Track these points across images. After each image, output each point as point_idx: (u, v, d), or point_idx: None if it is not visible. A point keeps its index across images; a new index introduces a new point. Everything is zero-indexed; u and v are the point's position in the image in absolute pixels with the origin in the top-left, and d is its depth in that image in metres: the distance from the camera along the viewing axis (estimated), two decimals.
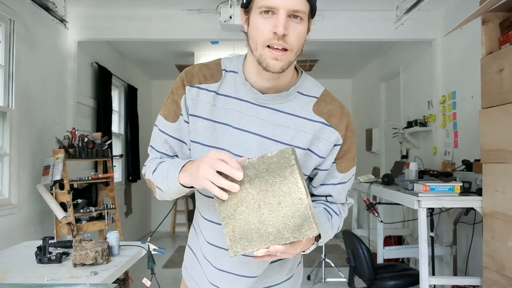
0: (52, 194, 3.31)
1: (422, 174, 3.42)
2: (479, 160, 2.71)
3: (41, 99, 3.62)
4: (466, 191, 2.93)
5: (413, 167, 3.40)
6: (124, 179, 5.84)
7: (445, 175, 3.14)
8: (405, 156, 4.97)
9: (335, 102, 1.13)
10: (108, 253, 2.11)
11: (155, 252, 2.41)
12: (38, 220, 3.49)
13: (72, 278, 1.85)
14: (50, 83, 3.78)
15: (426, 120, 4.35)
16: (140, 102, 6.47)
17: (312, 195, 1.16)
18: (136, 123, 6.15)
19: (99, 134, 3.76)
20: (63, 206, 3.27)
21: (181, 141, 1.15)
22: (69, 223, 3.19)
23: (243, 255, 0.97)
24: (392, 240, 4.57)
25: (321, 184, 1.14)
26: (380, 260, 3.83)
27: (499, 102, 2.40)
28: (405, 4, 3.53)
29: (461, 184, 2.79)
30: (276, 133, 1.08)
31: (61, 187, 3.31)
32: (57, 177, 3.25)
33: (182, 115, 1.12)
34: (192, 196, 6.65)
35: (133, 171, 5.96)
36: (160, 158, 1.16)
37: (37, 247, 2.15)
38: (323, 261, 4.32)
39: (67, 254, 2.19)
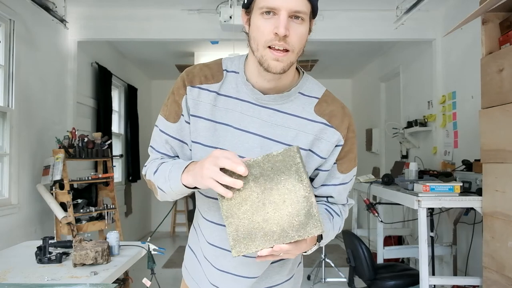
0: (52, 194, 3.31)
1: (422, 174, 3.42)
2: (479, 160, 2.72)
3: (41, 99, 3.62)
4: (466, 191, 2.93)
5: (413, 167, 3.40)
6: (124, 179, 5.84)
7: (445, 175, 3.14)
8: (405, 156, 4.97)
9: (337, 102, 1.13)
10: (108, 253, 2.11)
11: (155, 252, 2.41)
12: (38, 220, 3.49)
13: (72, 278, 1.85)
14: (50, 83, 3.78)
15: (426, 120, 4.35)
16: (140, 102, 6.47)
17: None
18: (136, 123, 6.15)
19: (99, 134, 3.76)
20: (63, 206, 3.27)
21: (182, 141, 1.14)
22: (69, 223, 3.19)
23: (244, 256, 0.97)
24: (392, 240, 4.57)
25: (322, 185, 1.14)
26: (380, 260, 3.83)
27: (499, 102, 2.40)
28: (405, 4, 3.53)
29: (461, 184, 2.79)
30: (277, 133, 1.08)
31: (61, 187, 3.31)
32: (57, 177, 3.25)
33: (183, 115, 1.12)
34: (192, 196, 6.64)
35: (133, 171, 5.96)
36: (161, 158, 1.16)
37: (37, 247, 2.15)
38: (323, 261, 4.32)
39: (67, 254, 2.19)
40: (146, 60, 6.09)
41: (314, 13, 1.04)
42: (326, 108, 1.11)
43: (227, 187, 0.93)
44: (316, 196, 1.17)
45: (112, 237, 2.27)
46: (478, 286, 2.92)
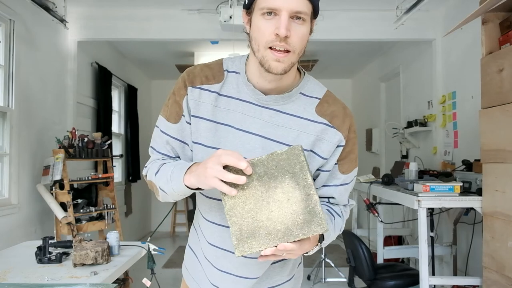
0: (52, 194, 3.31)
1: (422, 174, 3.42)
2: (479, 160, 2.72)
3: (41, 99, 3.62)
4: (466, 191, 2.93)
5: (413, 167, 3.40)
6: (124, 179, 5.84)
7: (445, 175, 3.14)
8: (405, 156, 4.97)
9: (338, 103, 1.13)
10: (108, 253, 2.11)
11: (155, 252, 2.41)
12: (38, 220, 3.49)
13: (72, 278, 1.85)
14: (50, 83, 3.78)
15: (426, 120, 4.35)
16: (140, 102, 6.47)
17: None
18: (136, 123, 6.15)
19: (99, 134, 3.76)
20: (63, 206, 3.27)
21: (183, 142, 1.14)
22: (69, 223, 3.19)
23: (244, 256, 0.97)
24: (392, 240, 4.57)
25: (323, 186, 1.14)
26: (380, 260, 3.83)
27: (499, 102, 2.40)
28: (405, 4, 3.53)
29: (461, 184, 2.79)
30: (278, 134, 1.08)
31: (61, 187, 3.31)
32: (57, 177, 3.25)
33: (184, 116, 1.12)
34: (192, 196, 6.64)
35: (133, 171, 5.96)
36: (162, 159, 1.16)
37: (37, 247, 2.15)
38: (323, 261, 4.33)
39: (67, 254, 2.19)
40: (146, 60, 6.09)
41: (315, 13, 1.03)
42: (327, 109, 1.11)
43: (231, 185, 0.93)
44: None
45: (112, 237, 2.27)
46: (478, 286, 2.92)
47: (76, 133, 3.55)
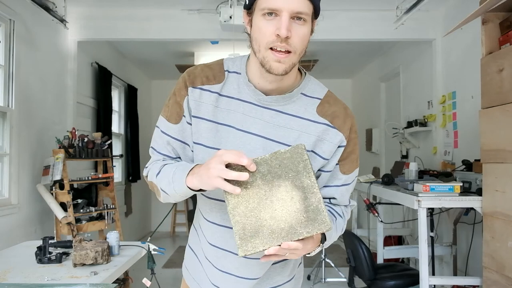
0: (52, 194, 3.31)
1: (422, 174, 3.42)
2: (479, 160, 2.72)
3: (41, 99, 3.62)
4: (466, 191, 2.93)
5: (413, 167, 3.40)
6: (124, 179, 5.84)
7: (445, 175, 3.14)
8: (405, 156, 4.97)
9: (339, 103, 1.13)
10: (108, 253, 2.11)
11: (155, 252, 2.41)
12: (38, 220, 3.49)
13: (72, 278, 1.85)
14: (50, 83, 3.78)
15: (426, 120, 4.35)
16: (140, 102, 6.47)
17: None
18: (136, 123, 6.15)
19: (99, 134, 3.76)
20: (63, 206, 3.27)
21: (183, 142, 1.14)
22: (69, 223, 3.19)
23: (245, 257, 0.96)
24: (392, 240, 4.57)
25: (325, 186, 1.14)
26: (380, 260, 3.83)
27: (499, 102, 2.40)
28: (405, 4, 3.53)
29: (461, 184, 2.79)
30: (279, 134, 1.08)
31: (61, 187, 3.31)
32: (57, 177, 3.25)
33: (184, 116, 1.12)
34: (192, 196, 6.64)
35: (133, 171, 5.96)
36: (163, 160, 1.15)
37: (37, 247, 2.15)
38: (323, 261, 4.33)
39: (67, 254, 2.19)
40: (146, 60, 6.09)
41: (316, 13, 1.03)
42: (328, 109, 1.11)
43: (234, 184, 0.93)
44: None
45: (112, 237, 2.27)
46: (478, 286, 2.92)
47: (76, 133, 3.55)
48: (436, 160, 4.18)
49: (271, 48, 0.99)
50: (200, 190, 1.01)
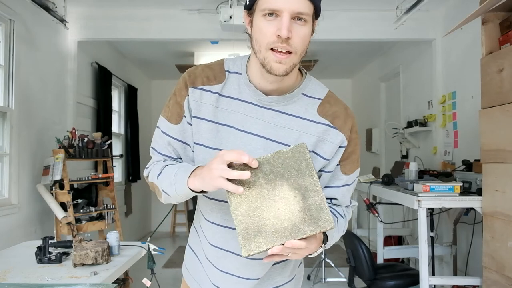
0: (52, 194, 3.31)
1: (422, 174, 3.42)
2: (479, 160, 2.72)
3: (41, 99, 3.62)
4: (466, 191, 2.93)
5: (413, 167, 3.40)
6: (124, 179, 5.84)
7: (445, 175, 3.14)
8: (405, 156, 4.97)
9: (340, 103, 1.13)
10: (108, 253, 2.11)
11: (155, 252, 2.41)
12: (38, 220, 3.49)
13: (72, 278, 1.85)
14: (50, 83, 3.78)
15: (426, 120, 4.35)
16: (140, 102, 6.47)
17: None
18: (136, 123, 6.15)
19: (99, 134, 3.76)
20: (63, 206, 3.26)
21: (184, 143, 1.14)
22: (69, 223, 3.19)
23: (248, 257, 0.96)
24: (392, 240, 4.57)
25: (326, 187, 1.13)
26: (380, 260, 3.83)
27: (499, 102, 2.40)
28: (405, 4, 3.53)
29: (461, 184, 2.79)
30: (280, 135, 1.08)
31: (61, 187, 3.31)
32: (57, 177, 3.25)
33: (185, 117, 1.12)
34: (192, 197, 6.66)
35: (133, 171, 5.96)
36: (164, 161, 1.15)
37: (37, 247, 2.15)
38: (323, 261, 4.33)
39: (67, 254, 2.19)
40: (146, 60, 6.09)
41: (317, 13, 1.03)
42: (329, 109, 1.10)
43: (237, 184, 0.93)
44: None
45: (112, 237, 2.27)
46: (478, 286, 2.92)
47: (76, 133, 3.55)
48: (436, 160, 4.18)
49: (271, 49, 0.99)
50: (202, 191, 1.01)
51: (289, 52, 0.99)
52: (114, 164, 4.49)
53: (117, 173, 5.65)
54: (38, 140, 3.54)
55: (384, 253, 3.85)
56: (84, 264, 2.01)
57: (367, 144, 6.25)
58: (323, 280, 4.28)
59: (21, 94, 3.28)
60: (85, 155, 3.52)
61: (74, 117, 4.16)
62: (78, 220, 3.35)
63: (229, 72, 1.12)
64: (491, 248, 2.49)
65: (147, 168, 1.18)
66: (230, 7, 3.67)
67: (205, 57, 5.57)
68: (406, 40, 4.42)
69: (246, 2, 1.05)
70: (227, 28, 3.77)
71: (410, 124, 4.54)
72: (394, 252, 3.91)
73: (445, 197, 2.73)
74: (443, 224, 3.90)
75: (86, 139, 3.56)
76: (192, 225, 1.30)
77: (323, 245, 1.03)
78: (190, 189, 1.00)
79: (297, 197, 0.93)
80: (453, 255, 3.64)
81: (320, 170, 1.12)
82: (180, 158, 1.16)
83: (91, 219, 3.49)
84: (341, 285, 4.22)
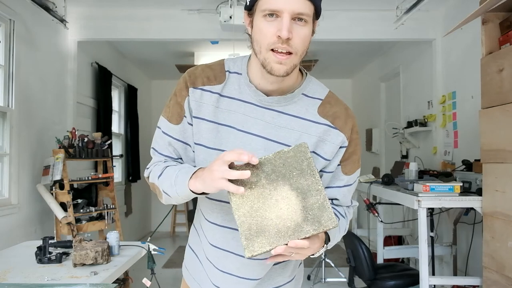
0: (52, 194, 3.31)
1: (422, 174, 3.42)
2: (479, 160, 2.72)
3: (41, 99, 3.62)
4: (466, 191, 2.93)
5: (413, 167, 3.40)
6: (124, 179, 5.84)
7: (445, 175, 3.14)
8: (405, 156, 4.97)
9: (340, 104, 1.13)
10: (108, 253, 2.11)
11: (155, 252, 2.41)
12: (38, 220, 3.48)
13: (72, 278, 1.85)
14: (50, 83, 3.78)
15: (426, 120, 4.35)
16: (140, 102, 6.46)
17: None
18: (136, 123, 6.15)
19: (99, 134, 3.76)
20: (63, 206, 3.26)
21: (185, 143, 1.13)
22: (69, 223, 3.19)
23: (250, 258, 0.96)
24: (392, 240, 4.57)
25: (327, 187, 1.13)
26: (380, 260, 3.83)
27: (499, 102, 2.40)
28: (405, 4, 3.53)
29: (461, 184, 2.79)
30: (280, 135, 1.08)
31: (61, 187, 3.31)
32: (57, 177, 3.25)
33: (185, 117, 1.11)
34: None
35: (133, 171, 5.96)
36: (165, 161, 1.15)
37: (37, 247, 2.15)
38: (323, 261, 4.33)
39: (67, 254, 2.19)
40: (146, 60, 6.09)
41: (317, 14, 1.03)
42: (329, 110, 1.10)
43: (238, 185, 0.92)
44: None
45: (112, 237, 2.27)
46: (478, 286, 2.92)
47: (76, 133, 3.55)
48: (436, 160, 4.18)
49: (272, 50, 0.99)
50: (203, 193, 1.01)
51: (290, 53, 0.99)
52: (114, 164, 4.49)
53: (117, 173, 5.65)
54: (38, 140, 3.54)
55: (384, 253, 3.85)
56: (84, 264, 2.01)
57: (367, 144, 6.25)
58: (323, 280, 4.28)
59: (21, 94, 3.28)
60: (85, 155, 3.52)
61: (74, 117, 4.16)
62: (78, 220, 3.35)
63: (230, 72, 1.11)
64: (491, 248, 2.49)
65: (148, 168, 1.18)
66: (230, 7, 3.67)
67: (205, 57, 5.57)
68: (406, 40, 4.42)
69: (246, 3, 1.05)
70: (227, 28, 3.77)
71: (410, 124, 4.54)
72: (394, 252, 3.91)
73: (445, 197, 2.73)
74: (443, 224, 3.90)
75: (86, 139, 3.56)
76: (192, 225, 1.30)
77: (325, 245, 1.03)
78: (191, 191, 1.00)
79: (299, 197, 0.93)
80: (453, 255, 3.64)
81: (321, 171, 1.12)
82: (181, 159, 1.16)
83: (91, 219, 3.49)
84: (341, 285, 4.22)
